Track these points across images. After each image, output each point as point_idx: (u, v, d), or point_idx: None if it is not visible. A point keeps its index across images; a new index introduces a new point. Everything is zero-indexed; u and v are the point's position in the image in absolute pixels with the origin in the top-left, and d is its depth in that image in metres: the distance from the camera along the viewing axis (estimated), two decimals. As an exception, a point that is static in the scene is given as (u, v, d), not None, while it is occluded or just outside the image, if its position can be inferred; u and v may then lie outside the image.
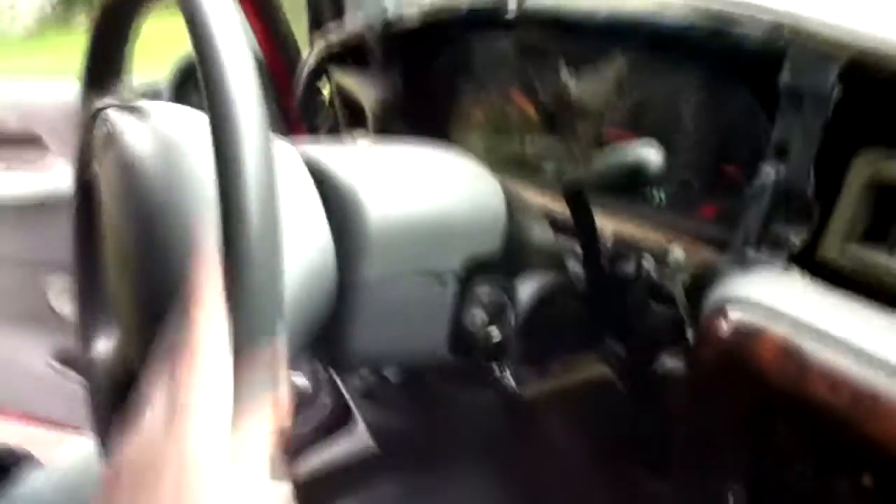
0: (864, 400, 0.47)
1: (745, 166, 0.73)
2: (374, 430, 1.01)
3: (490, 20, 0.85)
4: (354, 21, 1.03)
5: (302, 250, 0.59)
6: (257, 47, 1.28)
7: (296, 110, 1.29)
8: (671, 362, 0.70)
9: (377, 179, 0.64)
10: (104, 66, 0.68)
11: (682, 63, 0.74)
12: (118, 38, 0.67)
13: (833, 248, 0.59)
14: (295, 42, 1.30)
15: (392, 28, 0.98)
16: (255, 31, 1.26)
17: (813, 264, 0.60)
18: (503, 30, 0.88)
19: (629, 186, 0.61)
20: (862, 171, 0.58)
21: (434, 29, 0.94)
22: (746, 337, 0.54)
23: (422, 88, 1.03)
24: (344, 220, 0.62)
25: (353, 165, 0.65)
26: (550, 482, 0.88)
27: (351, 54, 1.04)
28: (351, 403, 1.04)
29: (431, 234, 0.66)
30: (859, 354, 0.48)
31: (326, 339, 0.64)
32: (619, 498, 0.85)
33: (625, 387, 0.80)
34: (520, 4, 0.80)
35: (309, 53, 1.12)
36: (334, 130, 1.13)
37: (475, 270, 0.69)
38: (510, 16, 0.80)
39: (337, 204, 0.62)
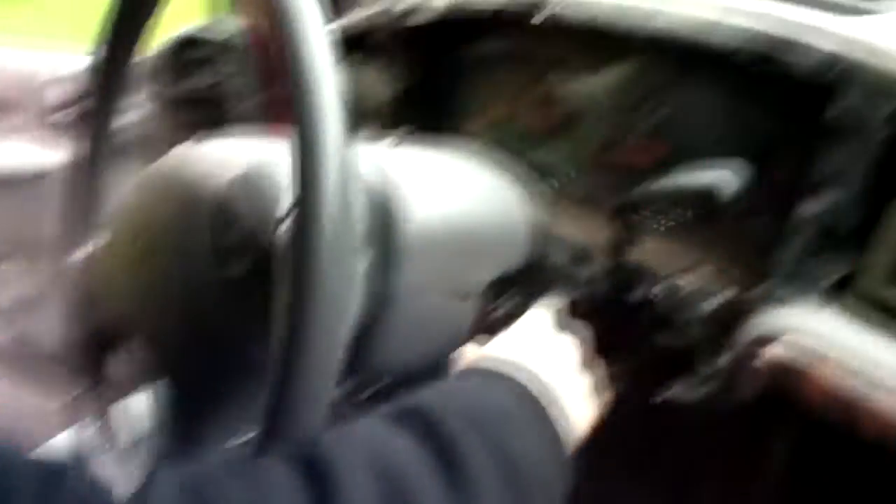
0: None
1: (778, 198, 0.73)
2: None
3: (514, 25, 0.83)
4: (364, 10, 0.99)
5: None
6: (249, 33, 1.23)
7: (283, 98, 1.25)
8: (678, 392, 0.69)
9: (418, 186, 0.61)
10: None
11: (722, 84, 0.73)
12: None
13: (868, 287, 0.59)
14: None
15: (406, 20, 0.94)
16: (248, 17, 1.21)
17: (848, 302, 0.60)
18: (527, 37, 0.86)
19: (698, 209, 0.59)
20: (903, 212, 0.58)
21: (453, 24, 0.91)
22: (789, 373, 0.54)
23: (433, 85, 1.00)
24: (388, 229, 0.58)
25: (399, 171, 0.61)
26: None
27: (358, 45, 1.00)
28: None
29: (466, 249, 0.63)
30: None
31: (355, 345, 0.61)
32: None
33: (634, 409, 0.79)
34: (548, 11, 0.78)
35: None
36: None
37: (498, 287, 0.67)
38: (538, 20, 0.78)
39: (377, 209, 0.58)
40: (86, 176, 0.70)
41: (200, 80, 1.19)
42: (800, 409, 0.53)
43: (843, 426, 0.50)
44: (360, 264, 0.50)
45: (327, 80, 0.44)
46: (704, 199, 0.57)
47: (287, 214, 0.52)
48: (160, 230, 0.58)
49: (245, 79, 1.21)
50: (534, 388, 0.53)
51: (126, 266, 0.60)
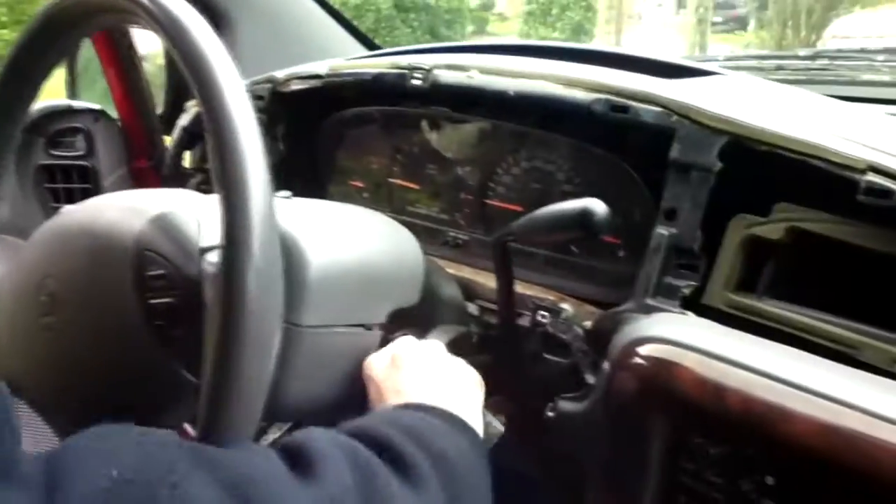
0: (772, 410, 0.57)
1: (621, 232, 0.84)
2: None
3: (391, 90, 0.92)
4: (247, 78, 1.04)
5: None
6: (115, 106, 1.24)
7: (148, 168, 1.26)
8: (568, 405, 0.77)
9: (316, 232, 0.66)
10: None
11: (574, 137, 0.85)
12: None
13: (716, 294, 0.71)
14: (153, 103, 1.27)
15: (289, 86, 1.01)
16: (113, 90, 1.22)
17: (700, 308, 0.71)
18: (403, 100, 0.94)
19: (575, 232, 0.68)
20: (737, 231, 0.70)
21: (327, 93, 0.98)
22: (662, 368, 0.63)
23: (306, 152, 1.06)
24: (287, 269, 0.63)
25: (292, 217, 0.67)
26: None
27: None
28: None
29: (364, 286, 0.69)
30: (763, 374, 0.59)
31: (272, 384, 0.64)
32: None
33: (514, 432, 0.86)
34: (427, 77, 0.87)
35: (184, 113, 1.11)
36: (205, 192, 1.12)
37: (397, 322, 0.73)
38: (418, 85, 0.87)
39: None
40: None
41: (71, 150, 1.19)
42: (674, 400, 0.62)
43: (713, 405, 0.60)
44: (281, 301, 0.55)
45: (251, 130, 0.50)
46: (581, 222, 0.66)
47: (213, 247, 0.57)
48: (74, 280, 0.60)
49: (114, 148, 1.22)
50: (448, 407, 0.60)
51: (26, 323, 0.61)
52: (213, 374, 0.49)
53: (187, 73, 0.52)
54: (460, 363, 0.70)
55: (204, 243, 0.58)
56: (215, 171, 0.51)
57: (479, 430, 0.63)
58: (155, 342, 0.56)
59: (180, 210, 0.60)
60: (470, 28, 11.96)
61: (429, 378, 0.65)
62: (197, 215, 0.60)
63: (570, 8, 11.05)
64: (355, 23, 1.35)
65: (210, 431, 0.48)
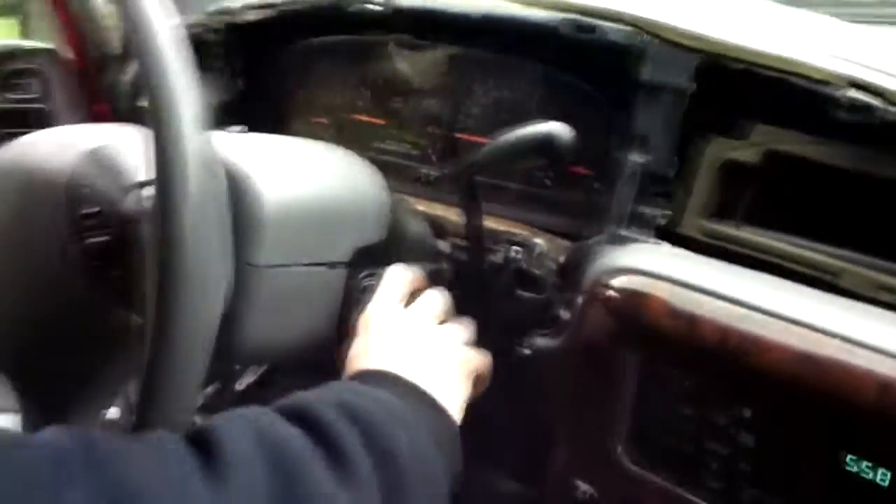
0: (748, 340, 0.55)
1: (594, 162, 0.80)
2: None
3: (350, 16, 0.87)
4: (189, 15, 0.98)
5: None
6: (65, 45, 1.18)
7: (110, 111, 1.21)
8: (541, 342, 0.75)
9: (271, 168, 0.63)
10: None
11: (542, 62, 0.80)
12: None
13: (691, 223, 0.68)
14: (109, 42, 1.21)
15: (235, 20, 0.95)
16: (61, 28, 1.16)
17: (675, 238, 0.68)
18: (363, 28, 0.89)
19: (540, 159, 0.64)
20: (714, 155, 0.67)
21: (284, 23, 0.93)
22: (634, 300, 0.61)
23: (267, 88, 1.01)
24: (240, 206, 0.59)
25: (246, 153, 0.63)
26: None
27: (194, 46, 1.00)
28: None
29: (325, 223, 0.65)
30: (738, 303, 0.56)
31: (225, 328, 0.61)
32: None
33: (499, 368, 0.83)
34: (387, 1, 0.82)
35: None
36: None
37: (362, 260, 0.69)
38: (377, 10, 0.82)
39: (233, 190, 0.60)
40: None
41: (26, 93, 1.13)
42: (646, 332, 0.60)
43: (687, 336, 0.57)
44: (227, 238, 0.52)
45: (180, 60, 0.47)
46: (545, 147, 0.62)
47: (147, 183, 0.53)
48: (4, 220, 0.57)
49: (72, 91, 1.16)
50: (419, 383, 0.58)
51: None
52: (156, 313, 0.46)
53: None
54: (474, 353, 0.67)
55: (142, 177, 0.54)
56: (148, 104, 0.48)
57: (457, 418, 0.60)
58: (92, 283, 0.53)
59: (117, 143, 0.57)
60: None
61: (428, 356, 0.62)
62: (135, 148, 0.56)
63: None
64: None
65: (154, 379, 0.45)
